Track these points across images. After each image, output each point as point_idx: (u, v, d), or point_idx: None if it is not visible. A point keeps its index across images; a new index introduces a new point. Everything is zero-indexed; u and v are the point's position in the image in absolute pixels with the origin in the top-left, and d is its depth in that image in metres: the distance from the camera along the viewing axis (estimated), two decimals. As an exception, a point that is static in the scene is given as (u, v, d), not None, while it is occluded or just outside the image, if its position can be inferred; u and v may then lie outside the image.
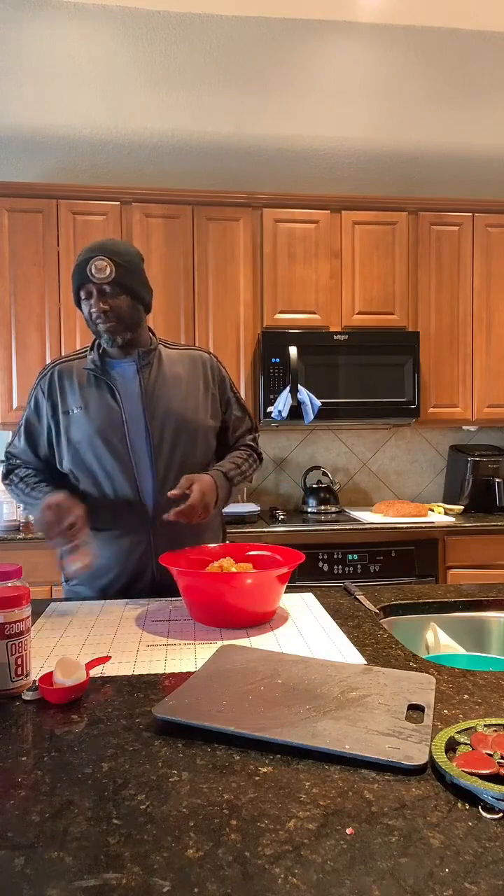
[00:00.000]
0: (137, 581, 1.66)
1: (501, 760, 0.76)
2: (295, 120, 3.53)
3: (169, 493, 1.54)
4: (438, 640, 1.44)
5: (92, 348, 1.71)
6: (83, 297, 1.61)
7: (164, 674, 1.10)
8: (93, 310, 1.60)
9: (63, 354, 1.84)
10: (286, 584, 1.41)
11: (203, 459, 1.71)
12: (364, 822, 0.68)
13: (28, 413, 1.73)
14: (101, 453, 1.63)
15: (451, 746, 0.82)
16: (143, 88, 3.42)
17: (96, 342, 1.71)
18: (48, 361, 1.82)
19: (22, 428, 1.74)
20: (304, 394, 3.06)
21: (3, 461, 1.81)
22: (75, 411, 1.65)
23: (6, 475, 1.75)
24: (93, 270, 1.56)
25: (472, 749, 0.80)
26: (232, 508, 3.05)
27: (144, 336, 1.71)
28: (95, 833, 0.67)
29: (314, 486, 3.37)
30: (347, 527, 2.98)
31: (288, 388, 3.05)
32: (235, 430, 1.81)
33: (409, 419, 3.27)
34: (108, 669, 1.12)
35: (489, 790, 0.71)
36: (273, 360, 3.10)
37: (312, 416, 3.06)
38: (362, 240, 3.25)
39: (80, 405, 1.65)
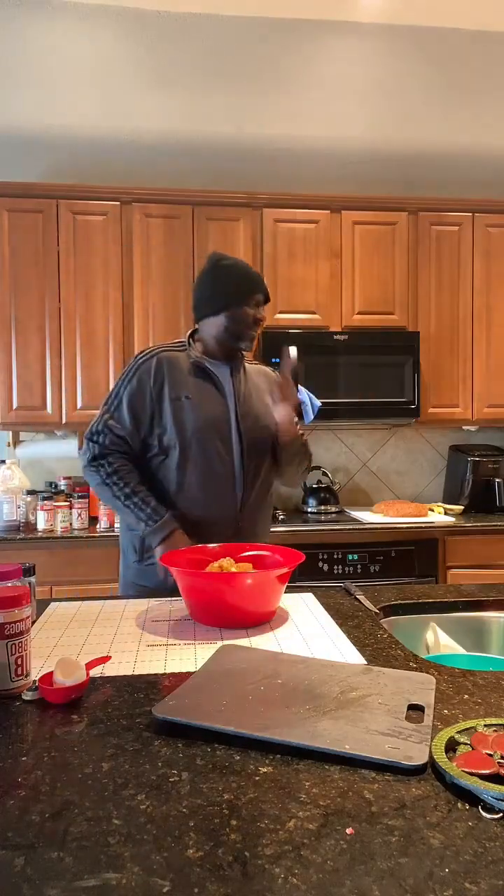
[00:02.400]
0: None
1: (501, 760, 0.76)
2: (295, 120, 3.53)
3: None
4: (438, 640, 1.44)
5: (189, 344, 1.83)
6: (253, 303, 1.77)
7: (164, 674, 1.10)
8: (258, 317, 1.78)
9: (161, 344, 1.86)
10: (286, 584, 1.41)
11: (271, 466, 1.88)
12: (364, 822, 0.68)
13: (130, 392, 1.74)
14: (208, 441, 1.73)
15: (451, 746, 0.82)
16: (143, 88, 3.42)
17: (191, 338, 1.84)
18: (148, 347, 1.84)
19: (124, 406, 1.73)
20: (304, 394, 3.05)
21: (90, 440, 1.75)
22: (185, 399, 1.74)
23: (94, 459, 1.72)
24: (266, 288, 1.81)
25: (472, 749, 0.80)
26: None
27: None
28: (95, 833, 0.67)
29: (314, 486, 3.37)
30: (347, 527, 2.98)
31: (288, 388, 3.05)
32: None
33: (409, 419, 3.27)
34: (108, 669, 1.12)
35: (489, 790, 0.71)
36: (273, 360, 3.10)
37: (312, 416, 3.05)
38: (362, 240, 3.25)
39: (189, 394, 1.74)
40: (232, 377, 1.81)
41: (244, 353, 1.87)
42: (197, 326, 1.84)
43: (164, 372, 1.75)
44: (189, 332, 1.86)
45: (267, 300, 1.81)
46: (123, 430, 1.73)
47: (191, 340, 1.83)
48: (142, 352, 1.81)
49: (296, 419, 1.77)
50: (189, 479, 1.73)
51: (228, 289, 1.76)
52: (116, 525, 2.83)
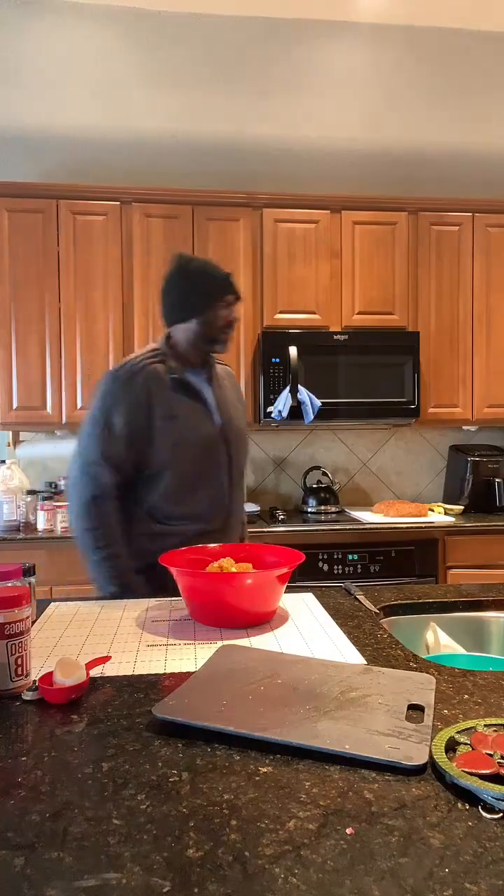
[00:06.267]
0: None
1: (501, 760, 0.76)
2: (295, 120, 3.53)
3: None
4: (438, 640, 1.44)
5: (163, 353, 1.76)
6: (224, 305, 1.74)
7: (164, 674, 1.10)
8: (230, 318, 1.76)
9: (133, 356, 1.76)
10: (286, 584, 1.41)
11: None
12: (364, 822, 0.68)
13: (125, 413, 1.67)
14: (201, 459, 1.73)
15: (451, 746, 0.82)
16: (143, 88, 3.42)
17: (165, 348, 1.77)
18: (128, 361, 1.75)
19: (119, 429, 1.66)
20: (304, 394, 3.06)
21: (86, 473, 1.68)
22: (175, 418, 1.69)
23: (94, 499, 1.67)
24: (236, 286, 1.77)
25: (472, 749, 0.80)
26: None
27: None
28: (95, 833, 0.67)
29: (314, 486, 3.37)
30: (347, 527, 2.98)
31: (288, 388, 3.05)
32: None
33: (409, 419, 3.27)
34: (108, 669, 1.12)
35: (489, 790, 0.71)
36: (273, 360, 3.10)
37: (312, 416, 3.06)
38: (362, 240, 3.25)
39: (178, 413, 1.70)
40: (210, 384, 1.80)
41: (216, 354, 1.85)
42: (169, 332, 1.80)
43: (152, 389, 1.69)
44: (163, 337, 1.80)
45: (238, 299, 1.78)
46: (119, 457, 1.67)
47: (163, 350, 1.77)
48: (122, 366, 1.72)
49: None
50: (184, 496, 1.73)
51: (198, 293, 1.73)
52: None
